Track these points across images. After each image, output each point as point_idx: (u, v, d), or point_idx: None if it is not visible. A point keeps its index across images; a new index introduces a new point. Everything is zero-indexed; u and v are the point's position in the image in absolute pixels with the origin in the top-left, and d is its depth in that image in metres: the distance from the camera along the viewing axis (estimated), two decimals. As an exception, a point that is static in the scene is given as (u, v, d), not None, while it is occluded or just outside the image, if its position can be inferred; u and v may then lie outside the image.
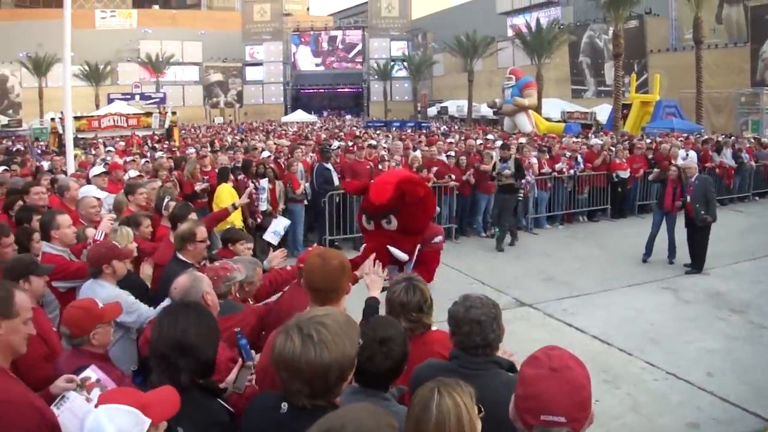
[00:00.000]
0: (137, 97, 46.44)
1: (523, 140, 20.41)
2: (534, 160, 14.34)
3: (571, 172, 15.05)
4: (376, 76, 75.50)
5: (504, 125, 42.30)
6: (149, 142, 25.86)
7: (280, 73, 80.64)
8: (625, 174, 15.34)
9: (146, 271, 5.57)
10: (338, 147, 17.07)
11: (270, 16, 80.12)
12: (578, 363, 1.93)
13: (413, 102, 72.38)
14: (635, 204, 16.25)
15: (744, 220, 15.93)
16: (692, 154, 17.43)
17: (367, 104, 77.98)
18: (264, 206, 11.41)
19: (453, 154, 14.41)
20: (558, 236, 14.08)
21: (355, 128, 41.04)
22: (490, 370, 2.87)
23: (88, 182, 8.77)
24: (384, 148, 16.85)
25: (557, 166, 14.74)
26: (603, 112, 41.74)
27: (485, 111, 51.12)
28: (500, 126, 42.97)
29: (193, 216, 6.18)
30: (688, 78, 37.74)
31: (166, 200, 7.25)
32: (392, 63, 75.26)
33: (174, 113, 30.82)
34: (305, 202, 12.50)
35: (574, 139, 20.60)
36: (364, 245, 5.28)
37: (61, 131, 21.57)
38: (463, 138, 21.94)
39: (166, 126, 28.98)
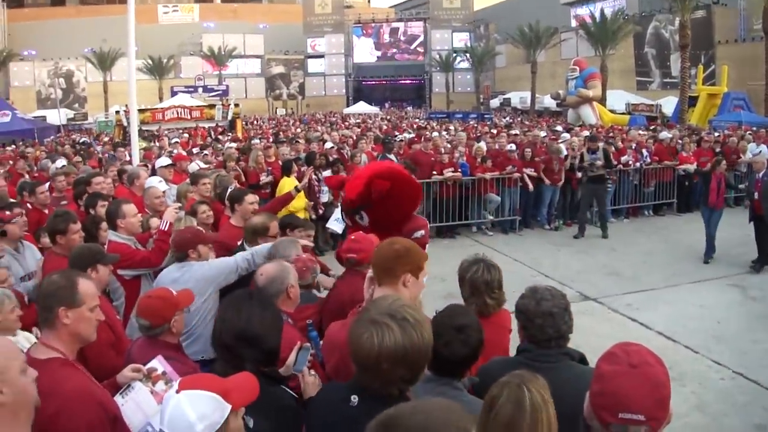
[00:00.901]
0: (200, 90, 47.12)
1: (585, 133, 20.12)
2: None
3: (637, 164, 14.81)
4: (438, 68, 75.37)
5: (568, 117, 41.79)
6: (212, 133, 26.15)
7: (341, 65, 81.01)
8: (691, 167, 15.03)
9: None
10: (401, 139, 17.03)
11: (331, 9, 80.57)
12: (658, 360, 1.89)
13: (475, 93, 71.70)
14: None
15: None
16: (764, 148, 16.96)
17: (429, 96, 77.74)
18: (326, 197, 11.52)
19: (514, 147, 14.30)
20: (623, 230, 13.81)
21: (417, 120, 40.99)
22: (563, 362, 2.86)
23: (153, 174, 8.92)
24: (445, 139, 16.81)
25: (623, 159, 14.49)
26: (668, 104, 40.77)
27: (548, 103, 50.67)
28: (564, 118, 42.46)
29: (251, 199, 6.22)
30: (756, 70, 36.72)
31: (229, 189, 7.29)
32: (454, 54, 74.85)
33: (237, 105, 31.01)
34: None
35: (641, 132, 20.22)
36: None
37: (126, 124, 21.98)
38: (526, 130, 21.77)
39: (229, 118, 29.28)
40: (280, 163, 11.72)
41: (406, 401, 2.09)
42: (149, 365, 3.10)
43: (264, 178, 11.26)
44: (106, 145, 21.92)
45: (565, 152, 13.67)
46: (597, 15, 48.34)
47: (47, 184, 8.49)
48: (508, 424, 1.98)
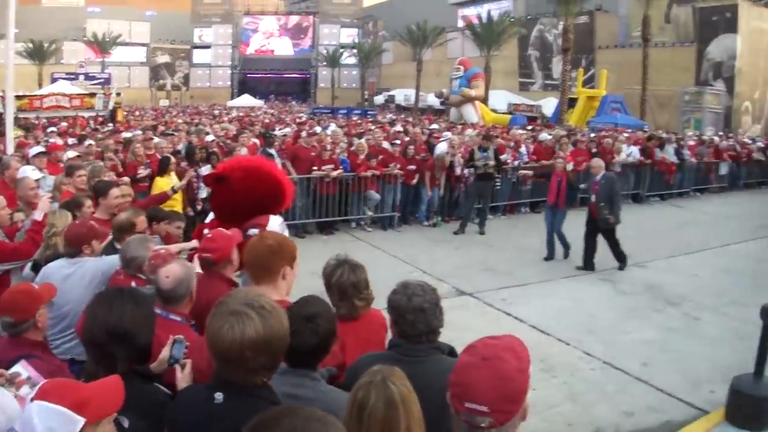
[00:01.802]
0: (82, 77, 45.12)
1: (470, 131, 20.39)
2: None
3: (515, 163, 15.06)
4: (324, 63, 75.32)
5: (450, 115, 42.53)
6: (92, 123, 25.18)
7: (228, 57, 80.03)
8: (568, 167, 15.38)
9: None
10: (284, 135, 16.76)
11: (220, -2, 79.03)
12: (515, 355, 1.84)
13: (360, 90, 72.45)
14: (578, 196, 16.31)
15: (682, 215, 16.36)
16: (634, 149, 17.70)
17: (314, 91, 77.84)
18: (204, 193, 11.02)
19: (398, 142, 14.26)
20: (500, 226, 14.08)
21: (300, 115, 40.69)
22: (432, 356, 2.86)
23: (27, 163, 8.44)
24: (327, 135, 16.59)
25: (501, 157, 14.69)
26: (549, 105, 42.33)
27: (432, 101, 51.47)
28: (446, 116, 43.15)
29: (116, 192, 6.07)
30: (634, 75, 38.54)
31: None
32: (341, 50, 75.04)
33: (119, 94, 30.16)
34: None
35: (521, 131, 20.69)
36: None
37: (1, 110, 20.81)
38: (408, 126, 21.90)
39: (110, 107, 28.27)
40: (158, 156, 11.16)
41: (269, 390, 2.29)
42: (12, 370, 2.95)
43: (142, 171, 10.68)
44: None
45: (449, 160, 13.75)
46: (484, 16, 49.42)
47: None
48: (384, 421, 2.03)
